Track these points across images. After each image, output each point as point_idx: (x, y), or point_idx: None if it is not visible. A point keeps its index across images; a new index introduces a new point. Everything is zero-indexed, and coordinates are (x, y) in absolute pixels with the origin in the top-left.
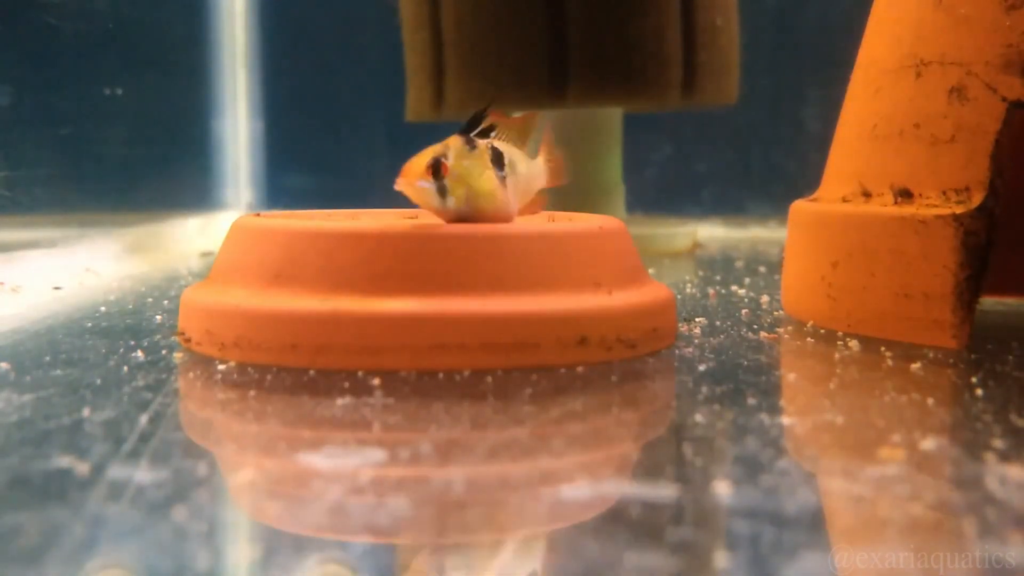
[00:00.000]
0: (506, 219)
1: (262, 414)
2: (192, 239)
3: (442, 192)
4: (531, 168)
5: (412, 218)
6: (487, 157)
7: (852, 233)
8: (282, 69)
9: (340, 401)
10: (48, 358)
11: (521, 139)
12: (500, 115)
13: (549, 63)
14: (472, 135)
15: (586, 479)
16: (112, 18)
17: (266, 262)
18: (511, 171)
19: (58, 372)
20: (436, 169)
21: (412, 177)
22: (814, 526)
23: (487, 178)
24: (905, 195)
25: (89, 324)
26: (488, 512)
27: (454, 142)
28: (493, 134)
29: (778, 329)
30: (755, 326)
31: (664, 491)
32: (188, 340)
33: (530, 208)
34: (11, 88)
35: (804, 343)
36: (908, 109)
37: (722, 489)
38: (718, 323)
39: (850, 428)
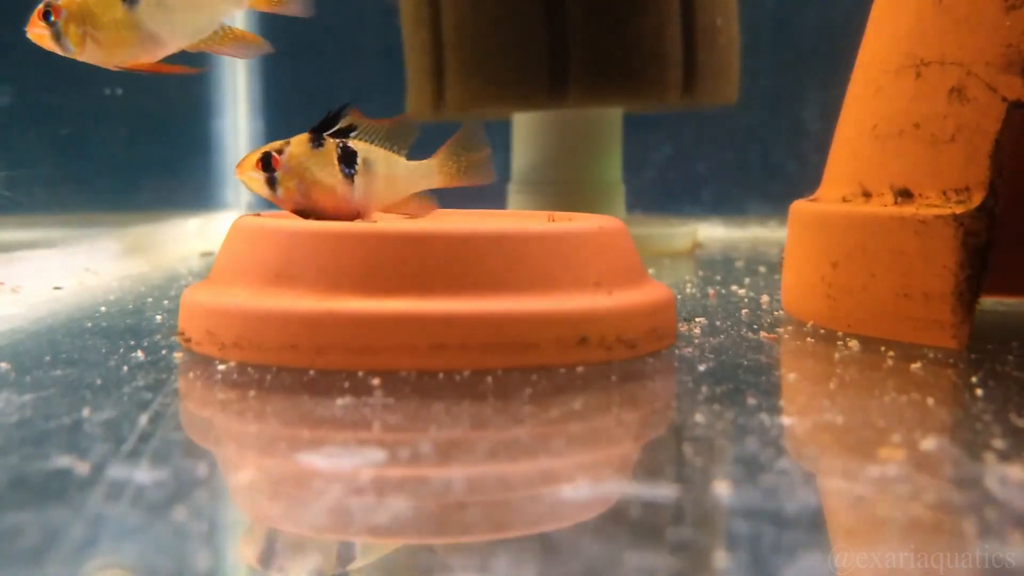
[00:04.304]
0: (351, 215)
1: (262, 414)
2: (192, 239)
3: (271, 183)
4: (399, 169)
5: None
6: (333, 155)
7: (852, 233)
8: (282, 69)
9: (340, 401)
10: (48, 358)
11: (393, 140)
12: (361, 116)
13: (549, 63)
14: (326, 134)
15: (586, 479)
16: None
17: (266, 262)
18: (364, 169)
19: (58, 372)
20: (266, 163)
21: (245, 168)
22: (814, 526)
23: (327, 174)
24: (905, 195)
25: (89, 324)
26: (488, 512)
27: (298, 138)
28: (353, 134)
29: (778, 329)
30: (755, 326)
31: (664, 491)
32: (188, 340)
33: (408, 208)
34: (11, 88)
35: (804, 343)
36: (908, 109)
37: (722, 489)
38: (718, 323)
39: (850, 428)
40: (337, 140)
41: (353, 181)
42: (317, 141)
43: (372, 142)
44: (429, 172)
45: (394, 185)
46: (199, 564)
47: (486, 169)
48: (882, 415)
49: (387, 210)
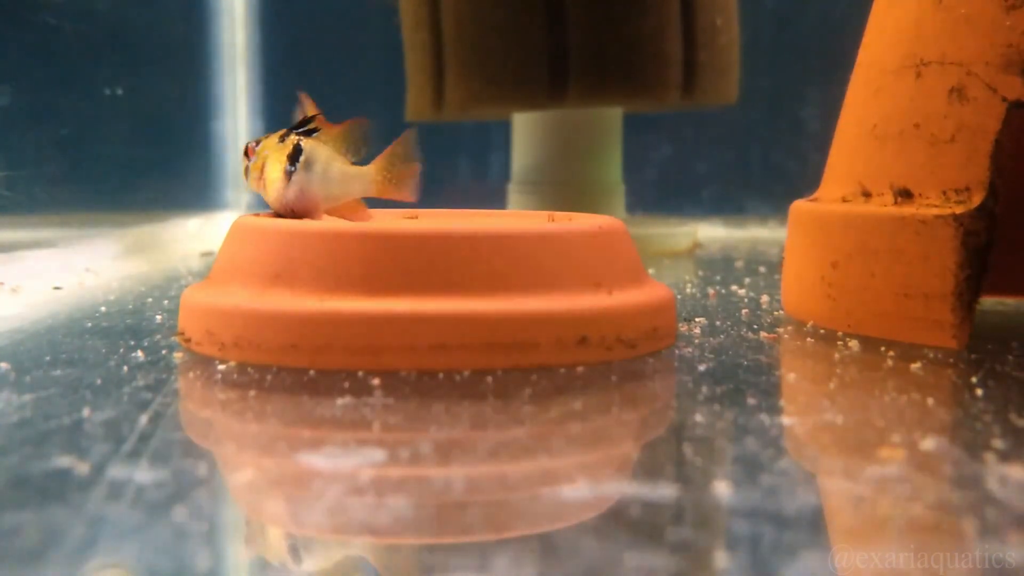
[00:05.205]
0: (285, 211)
1: (262, 414)
2: (192, 239)
3: (246, 172)
4: (333, 172)
5: (412, 218)
6: (286, 151)
7: (852, 233)
8: (282, 69)
9: (340, 401)
10: (48, 358)
11: (343, 144)
12: (321, 119)
13: (549, 63)
14: (298, 132)
15: (586, 479)
16: (112, 18)
17: (266, 262)
18: (303, 169)
19: (58, 372)
20: (246, 149)
21: (242, 152)
22: (814, 526)
23: (274, 168)
24: (905, 195)
25: (89, 324)
26: (488, 512)
27: (278, 133)
28: (315, 134)
29: (778, 329)
30: (755, 326)
31: (664, 491)
32: (188, 340)
33: (344, 213)
34: (11, 88)
35: (804, 343)
36: (908, 109)
37: (722, 489)
38: (718, 323)
39: (850, 428)
40: (298, 137)
41: (290, 179)
42: (284, 137)
43: (328, 144)
44: (364, 179)
45: (327, 188)
46: (199, 564)
47: (411, 185)
48: (882, 415)
49: (328, 212)
